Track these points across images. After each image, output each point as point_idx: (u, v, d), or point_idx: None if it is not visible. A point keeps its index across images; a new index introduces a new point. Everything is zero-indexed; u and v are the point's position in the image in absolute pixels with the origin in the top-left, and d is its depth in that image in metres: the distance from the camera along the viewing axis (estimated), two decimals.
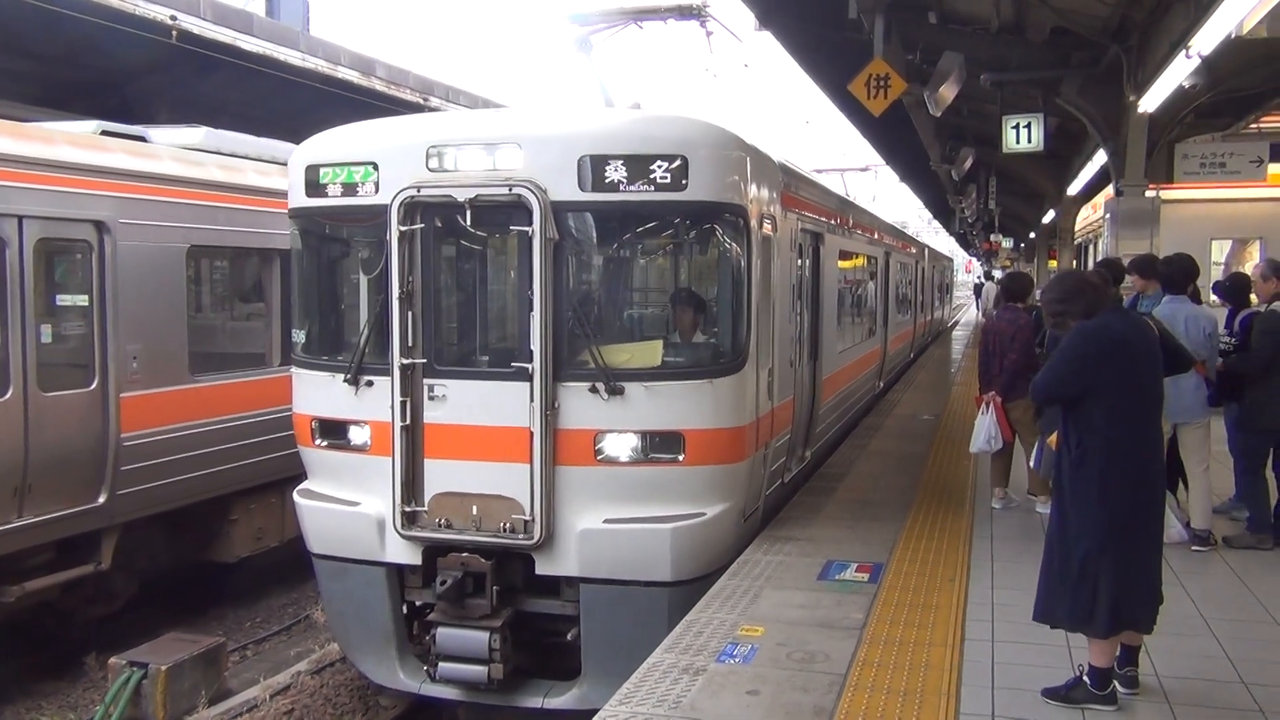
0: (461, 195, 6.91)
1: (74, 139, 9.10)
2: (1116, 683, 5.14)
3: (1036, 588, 5.24)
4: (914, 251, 24.86)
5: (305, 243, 7.97)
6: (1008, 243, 46.24)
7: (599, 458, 6.94)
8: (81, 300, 8.93)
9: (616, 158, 6.80)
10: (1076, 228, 27.33)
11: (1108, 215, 15.76)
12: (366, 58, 17.34)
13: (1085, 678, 5.11)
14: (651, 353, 7.30)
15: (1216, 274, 16.26)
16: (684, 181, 6.78)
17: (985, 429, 9.02)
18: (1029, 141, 15.40)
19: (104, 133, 9.63)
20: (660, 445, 6.95)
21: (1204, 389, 7.76)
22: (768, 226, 7.88)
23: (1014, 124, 15.50)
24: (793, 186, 9.21)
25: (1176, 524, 7.83)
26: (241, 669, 9.38)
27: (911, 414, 15.79)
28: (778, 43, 16.07)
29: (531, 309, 6.82)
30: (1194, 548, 7.81)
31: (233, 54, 14.22)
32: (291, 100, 15.74)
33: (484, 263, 7.73)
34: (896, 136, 24.79)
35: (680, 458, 6.95)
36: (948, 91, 14.08)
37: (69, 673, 9.11)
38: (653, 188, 6.79)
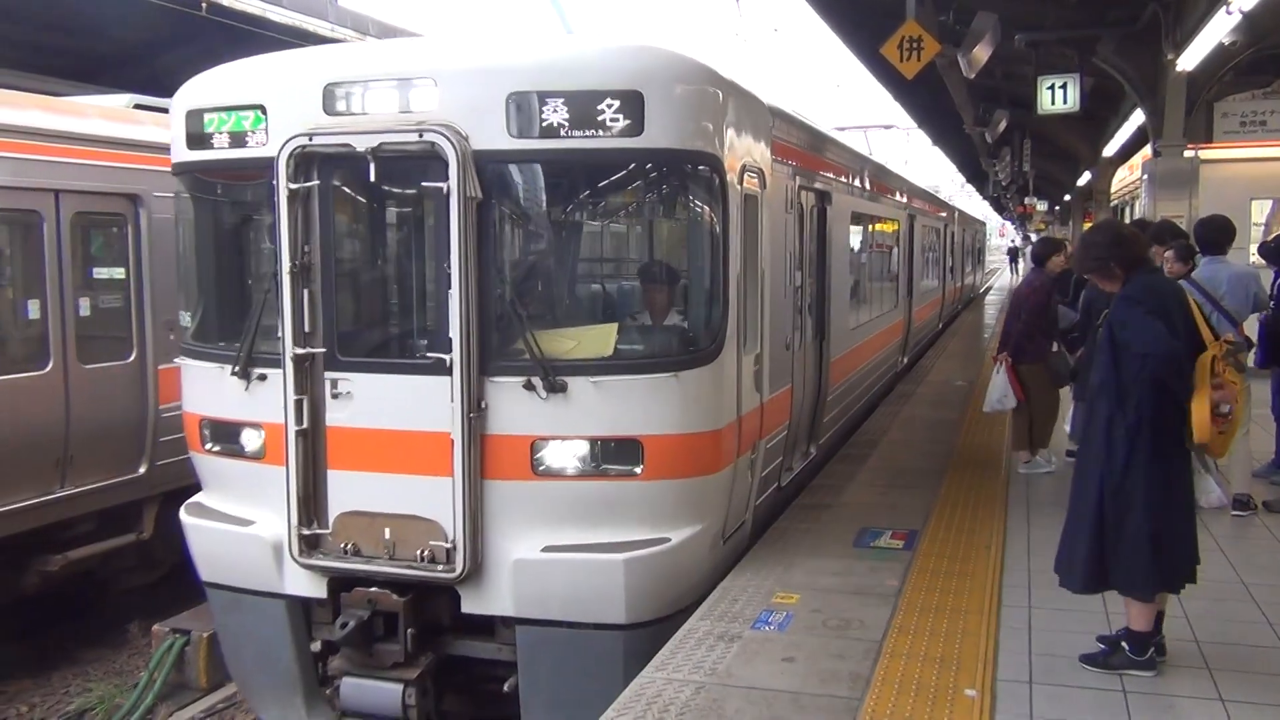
0: (362, 144, 5.68)
1: (107, 112, 9.16)
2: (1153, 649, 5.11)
3: (1079, 557, 5.12)
4: (943, 214, 23.42)
5: (191, 206, 6.70)
6: (1042, 206, 45.75)
7: (537, 470, 5.73)
8: (118, 273, 9.02)
9: (555, 95, 5.55)
10: (1113, 189, 26.95)
11: (1145, 176, 15.55)
12: (393, 27, 17.32)
13: (1124, 643, 5.09)
14: (602, 339, 6.03)
15: (1257, 235, 16.00)
16: (640, 124, 5.53)
17: (998, 388, 9.12)
18: (1065, 102, 15.16)
19: (137, 106, 9.69)
20: (613, 454, 5.74)
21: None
22: (752, 181, 6.61)
23: (1049, 85, 15.25)
24: (789, 135, 7.89)
25: (1215, 489, 7.75)
26: None
27: (944, 380, 15.70)
28: (809, 5, 15.90)
29: (450, 286, 5.64)
30: (1233, 512, 7.74)
31: (262, 25, 14.22)
32: None
33: (397, 229, 6.57)
34: (929, 100, 24.50)
35: (638, 470, 5.73)
36: (982, 53, 13.90)
37: (112, 640, 9.27)
38: (601, 132, 5.53)
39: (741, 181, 6.33)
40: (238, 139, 6.13)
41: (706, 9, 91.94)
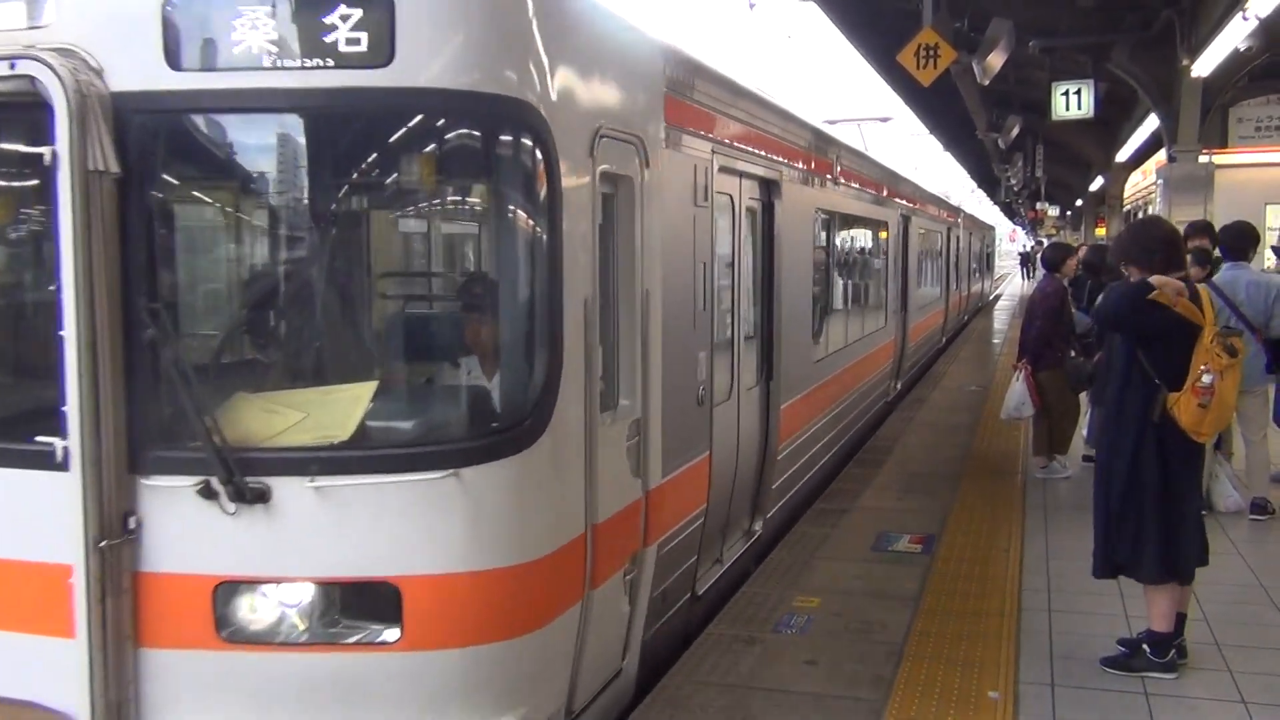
0: None
1: None
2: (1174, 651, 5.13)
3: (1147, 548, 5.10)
4: (946, 216, 20.70)
5: None
6: (1053, 211, 45.79)
7: (227, 634, 3.54)
8: None
9: None
10: (1126, 194, 26.98)
11: (1160, 181, 15.59)
12: None
13: (1145, 645, 5.11)
14: (343, 411, 3.59)
15: (1272, 240, 16.03)
16: (389, 47, 3.41)
17: (1016, 395, 9.17)
18: (1079, 108, 15.24)
19: None
20: (353, 608, 3.58)
21: (1263, 356, 7.68)
22: (621, 155, 4.43)
23: (1063, 91, 15.33)
24: (702, 95, 5.62)
25: (1233, 493, 7.77)
26: None
27: (958, 385, 15.71)
28: (820, 9, 15.99)
29: (60, 323, 3.38)
30: (1251, 516, 7.74)
31: None
32: None
33: (13, 224, 4.16)
34: (941, 105, 24.53)
35: (394, 635, 3.54)
36: (996, 59, 13.93)
37: None
38: (332, 61, 3.40)
39: (593, 152, 4.13)
40: None
41: (719, 15, 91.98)
